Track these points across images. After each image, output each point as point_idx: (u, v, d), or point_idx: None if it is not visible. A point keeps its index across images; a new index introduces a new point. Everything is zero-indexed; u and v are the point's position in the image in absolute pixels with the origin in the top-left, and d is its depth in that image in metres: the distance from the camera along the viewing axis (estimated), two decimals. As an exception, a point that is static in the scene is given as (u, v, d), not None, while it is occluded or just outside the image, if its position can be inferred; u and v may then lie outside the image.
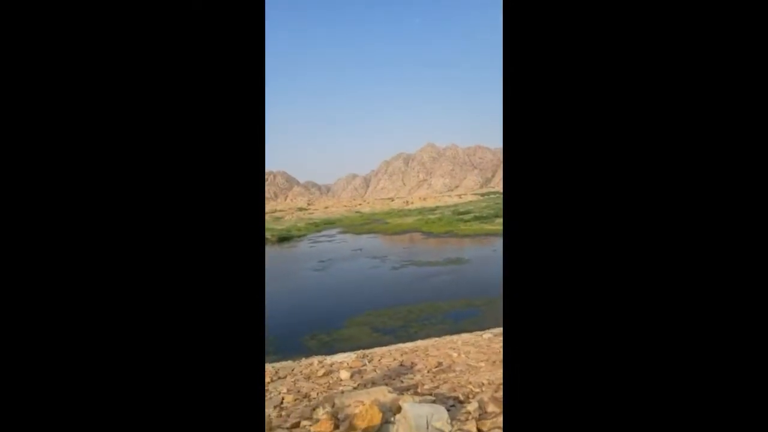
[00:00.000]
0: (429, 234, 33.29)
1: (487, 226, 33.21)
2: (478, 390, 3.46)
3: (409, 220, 45.49)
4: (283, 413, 3.09)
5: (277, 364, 5.54)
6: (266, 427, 2.70)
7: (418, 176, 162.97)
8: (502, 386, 3.42)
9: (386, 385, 3.72)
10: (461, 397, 3.20)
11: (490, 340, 6.12)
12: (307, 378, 4.61)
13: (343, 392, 3.47)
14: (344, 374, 4.49)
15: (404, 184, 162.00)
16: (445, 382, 3.90)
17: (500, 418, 2.54)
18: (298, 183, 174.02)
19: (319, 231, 43.34)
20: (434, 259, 20.86)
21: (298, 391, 3.95)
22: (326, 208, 76.64)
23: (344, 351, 6.29)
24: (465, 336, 6.79)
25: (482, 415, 2.66)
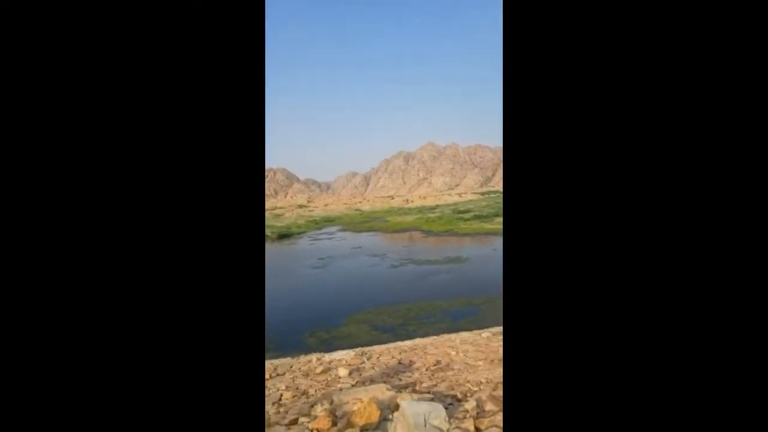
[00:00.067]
0: (429, 232, 33.35)
1: (487, 225, 33.26)
2: (476, 388, 3.47)
3: (409, 218, 45.54)
4: (282, 410, 3.10)
5: (276, 361, 5.56)
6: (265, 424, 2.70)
7: (418, 175, 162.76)
8: (499, 385, 3.44)
9: (384, 382, 3.73)
10: (459, 396, 3.21)
11: (489, 339, 6.14)
12: (306, 375, 4.62)
13: (341, 389, 3.48)
14: (343, 372, 4.51)
15: (404, 182, 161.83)
16: (443, 381, 3.91)
17: (498, 417, 2.55)
18: (298, 180, 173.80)
19: (319, 228, 43.44)
20: (434, 257, 20.89)
21: (297, 388, 3.96)
22: (326, 205, 76.70)
23: (343, 348, 6.32)
24: (464, 335, 6.82)
25: (480, 413, 2.67)
